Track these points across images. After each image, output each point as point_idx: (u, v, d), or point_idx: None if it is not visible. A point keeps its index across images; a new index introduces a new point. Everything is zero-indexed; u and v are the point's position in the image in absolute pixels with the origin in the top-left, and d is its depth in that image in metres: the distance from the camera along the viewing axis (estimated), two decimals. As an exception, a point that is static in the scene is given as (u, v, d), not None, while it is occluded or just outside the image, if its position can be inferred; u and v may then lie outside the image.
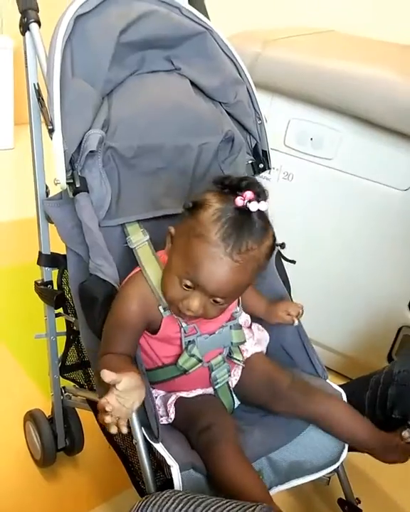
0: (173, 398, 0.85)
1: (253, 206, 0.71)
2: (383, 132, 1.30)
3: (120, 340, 0.79)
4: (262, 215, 0.73)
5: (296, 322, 0.93)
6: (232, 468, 0.76)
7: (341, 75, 1.32)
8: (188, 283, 0.75)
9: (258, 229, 0.73)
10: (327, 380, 0.96)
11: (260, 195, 0.72)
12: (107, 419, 0.66)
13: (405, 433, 0.82)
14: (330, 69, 1.34)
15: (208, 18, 1.02)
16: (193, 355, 0.83)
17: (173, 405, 0.84)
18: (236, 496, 0.73)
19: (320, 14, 2.01)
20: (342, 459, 0.90)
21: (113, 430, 0.67)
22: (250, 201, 0.71)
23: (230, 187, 0.74)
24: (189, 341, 0.83)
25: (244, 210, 0.72)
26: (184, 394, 0.86)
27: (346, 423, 0.88)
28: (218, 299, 0.76)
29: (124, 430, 0.69)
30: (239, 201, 0.71)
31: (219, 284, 0.73)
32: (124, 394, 0.67)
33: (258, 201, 0.71)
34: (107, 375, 0.66)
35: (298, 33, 1.61)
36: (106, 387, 0.72)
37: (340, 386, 0.95)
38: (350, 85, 1.30)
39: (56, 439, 1.20)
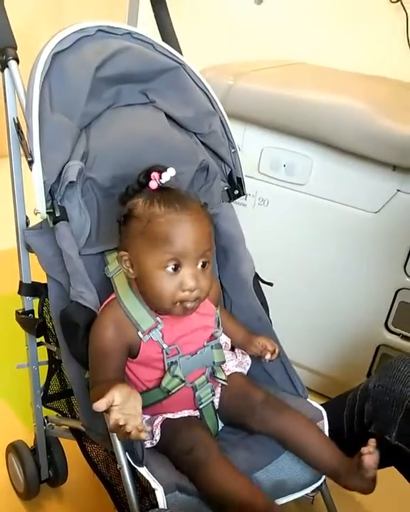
0: (159, 420, 0.85)
1: (166, 177, 0.79)
2: (352, 158, 1.36)
3: (105, 367, 0.80)
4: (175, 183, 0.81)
5: (268, 357, 0.93)
6: (225, 483, 0.78)
7: (311, 105, 1.37)
8: (173, 263, 0.77)
9: (183, 191, 0.83)
10: (308, 399, 0.98)
11: (161, 168, 0.80)
12: (128, 428, 0.69)
13: (364, 449, 0.81)
14: (300, 99, 1.39)
15: (180, 53, 1.06)
16: (176, 376, 0.84)
17: (159, 427, 0.85)
18: (232, 502, 0.75)
19: (290, 47, 2.09)
20: (324, 477, 0.91)
21: (143, 435, 0.70)
22: (160, 178, 0.79)
23: (136, 187, 0.81)
24: (172, 362, 0.85)
25: (162, 188, 0.79)
26: (169, 415, 0.86)
27: (314, 448, 0.87)
28: (203, 260, 0.79)
29: (148, 428, 0.74)
30: (153, 184, 0.79)
31: (195, 240, 0.78)
32: (123, 405, 0.69)
33: (166, 171, 0.79)
34: (100, 404, 0.68)
35: (269, 65, 1.67)
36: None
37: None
38: (320, 114, 1.36)
39: (39, 470, 1.18)
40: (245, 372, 0.99)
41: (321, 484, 0.92)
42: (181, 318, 0.85)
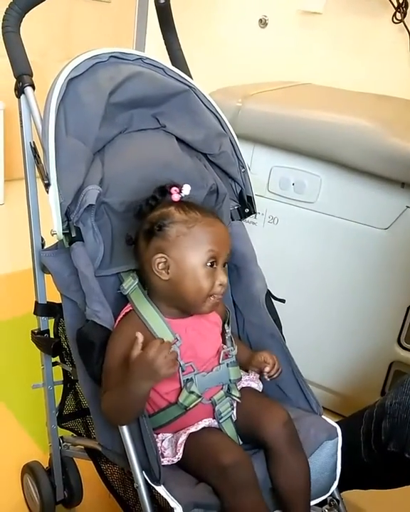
0: (183, 437, 0.85)
1: (186, 190, 0.89)
2: (360, 175, 1.37)
3: (122, 376, 0.80)
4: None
5: (267, 369, 0.92)
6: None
7: (318, 124, 1.39)
8: (212, 260, 0.86)
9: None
10: (322, 416, 0.98)
11: (176, 184, 0.89)
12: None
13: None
14: (308, 119, 1.42)
15: (190, 76, 1.09)
16: (192, 392, 0.85)
17: (183, 445, 0.84)
18: None
19: (296, 68, 2.13)
20: (332, 489, 0.92)
21: (173, 369, 0.78)
22: (179, 192, 0.88)
23: (153, 203, 0.88)
24: (187, 379, 0.86)
25: (182, 201, 0.88)
26: (192, 429, 0.86)
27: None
28: (226, 261, 0.89)
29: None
30: (176, 197, 0.88)
31: (227, 242, 0.89)
32: None
33: (185, 186, 0.89)
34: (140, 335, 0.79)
35: (275, 86, 1.71)
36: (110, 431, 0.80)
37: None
38: (328, 133, 1.38)
39: (55, 491, 1.18)
40: (260, 389, 0.99)
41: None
42: (194, 329, 0.88)
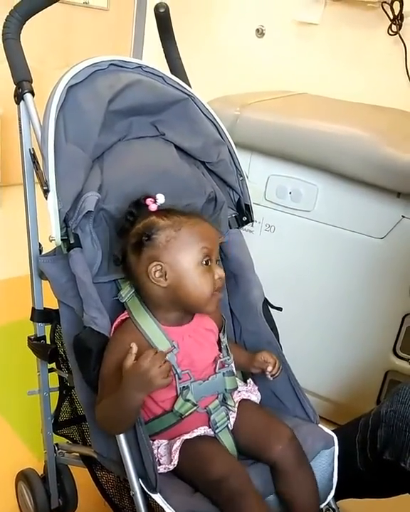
0: (178, 444, 0.85)
1: (161, 199, 0.89)
2: (357, 185, 1.38)
3: (117, 384, 0.80)
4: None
5: (270, 369, 0.94)
6: None
7: (315, 133, 1.40)
8: (206, 258, 0.86)
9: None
10: (319, 425, 0.98)
11: (149, 195, 0.89)
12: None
13: None
14: (305, 128, 1.42)
15: (189, 85, 1.09)
16: (188, 400, 0.85)
17: (177, 452, 0.84)
18: None
19: (292, 78, 2.15)
20: (329, 498, 0.92)
21: (167, 381, 0.78)
22: (155, 201, 0.89)
23: (131, 218, 0.89)
24: (184, 387, 0.85)
25: (161, 209, 0.89)
26: (186, 436, 0.86)
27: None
28: (217, 258, 0.90)
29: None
30: (153, 206, 0.89)
31: (216, 238, 0.90)
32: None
33: (158, 196, 0.89)
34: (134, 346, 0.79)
35: (272, 96, 1.72)
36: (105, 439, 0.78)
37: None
38: (324, 143, 1.39)
39: (50, 498, 1.17)
40: (258, 400, 0.99)
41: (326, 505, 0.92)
42: (191, 337, 0.88)
